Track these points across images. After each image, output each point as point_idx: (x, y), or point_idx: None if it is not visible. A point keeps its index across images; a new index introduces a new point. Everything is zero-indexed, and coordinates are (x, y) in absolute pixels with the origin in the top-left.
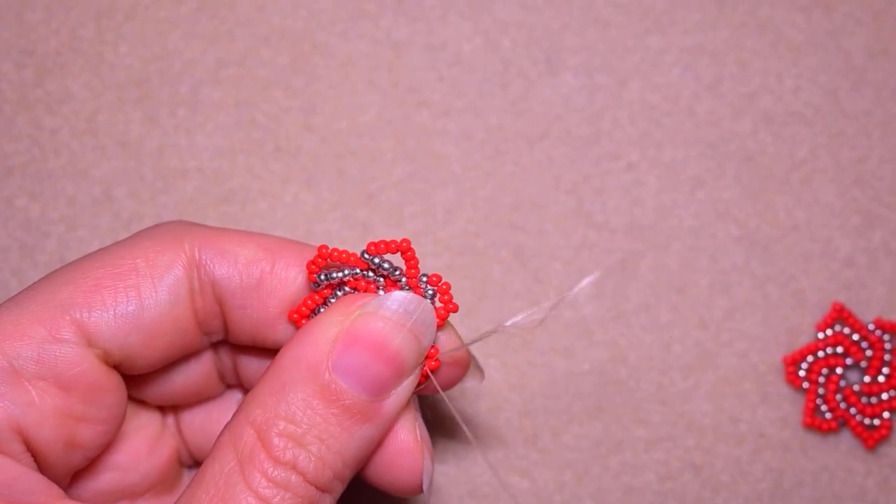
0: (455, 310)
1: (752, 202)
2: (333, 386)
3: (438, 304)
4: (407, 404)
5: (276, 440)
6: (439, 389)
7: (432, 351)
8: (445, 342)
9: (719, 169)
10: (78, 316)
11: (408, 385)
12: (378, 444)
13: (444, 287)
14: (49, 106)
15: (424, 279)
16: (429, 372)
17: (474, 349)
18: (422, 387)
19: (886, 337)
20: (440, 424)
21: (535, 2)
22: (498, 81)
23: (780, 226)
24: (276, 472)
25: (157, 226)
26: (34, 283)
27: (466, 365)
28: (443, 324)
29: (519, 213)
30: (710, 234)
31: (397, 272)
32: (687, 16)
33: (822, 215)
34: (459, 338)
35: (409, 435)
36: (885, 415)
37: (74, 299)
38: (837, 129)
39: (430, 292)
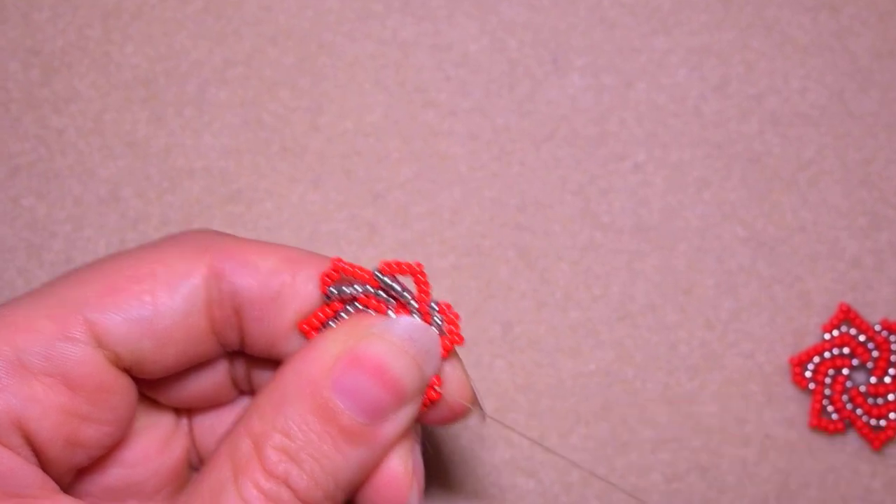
0: (461, 342)
1: (759, 203)
2: (331, 405)
3: (446, 334)
4: (406, 433)
5: (270, 453)
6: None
7: (434, 380)
8: (451, 374)
9: (726, 170)
10: (90, 316)
11: (407, 413)
12: (372, 469)
13: (453, 317)
14: (55, 105)
15: (435, 306)
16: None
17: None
18: (420, 415)
19: (893, 338)
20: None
21: (541, 2)
22: (504, 82)
23: (787, 227)
24: (267, 485)
25: (182, 233)
26: (52, 280)
27: (464, 410)
28: (447, 355)
29: (525, 214)
30: (716, 235)
31: (407, 295)
32: (693, 16)
33: (829, 216)
34: (465, 371)
35: (399, 465)
36: (892, 416)
37: (89, 299)
38: (844, 130)
39: (439, 320)
